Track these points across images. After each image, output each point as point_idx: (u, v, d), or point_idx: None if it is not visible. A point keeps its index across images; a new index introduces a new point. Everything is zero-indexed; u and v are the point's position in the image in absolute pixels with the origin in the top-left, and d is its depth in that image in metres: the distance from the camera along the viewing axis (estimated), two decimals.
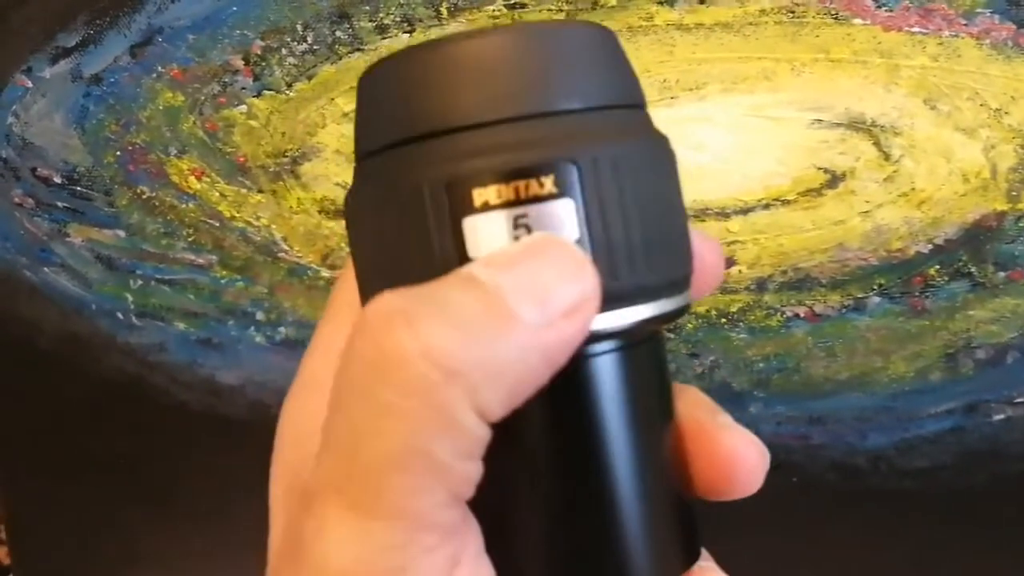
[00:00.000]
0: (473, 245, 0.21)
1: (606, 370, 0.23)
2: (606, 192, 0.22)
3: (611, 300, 0.22)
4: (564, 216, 0.22)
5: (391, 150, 0.23)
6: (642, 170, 0.23)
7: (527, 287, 0.21)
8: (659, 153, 0.24)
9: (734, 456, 0.25)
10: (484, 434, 0.21)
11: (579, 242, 0.22)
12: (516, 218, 0.21)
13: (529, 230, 0.21)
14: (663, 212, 0.23)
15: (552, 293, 0.21)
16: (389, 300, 0.21)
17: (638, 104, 0.24)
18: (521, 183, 0.21)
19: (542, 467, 0.23)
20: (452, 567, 0.21)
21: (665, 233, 0.23)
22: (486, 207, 0.21)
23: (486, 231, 0.21)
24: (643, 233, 0.22)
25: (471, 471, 0.21)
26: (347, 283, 0.26)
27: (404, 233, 0.22)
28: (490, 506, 0.22)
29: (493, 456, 0.21)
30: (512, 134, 0.22)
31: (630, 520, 0.23)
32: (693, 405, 0.26)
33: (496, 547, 0.23)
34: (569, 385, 0.22)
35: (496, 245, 0.21)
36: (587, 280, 0.21)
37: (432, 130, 0.22)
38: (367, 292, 0.24)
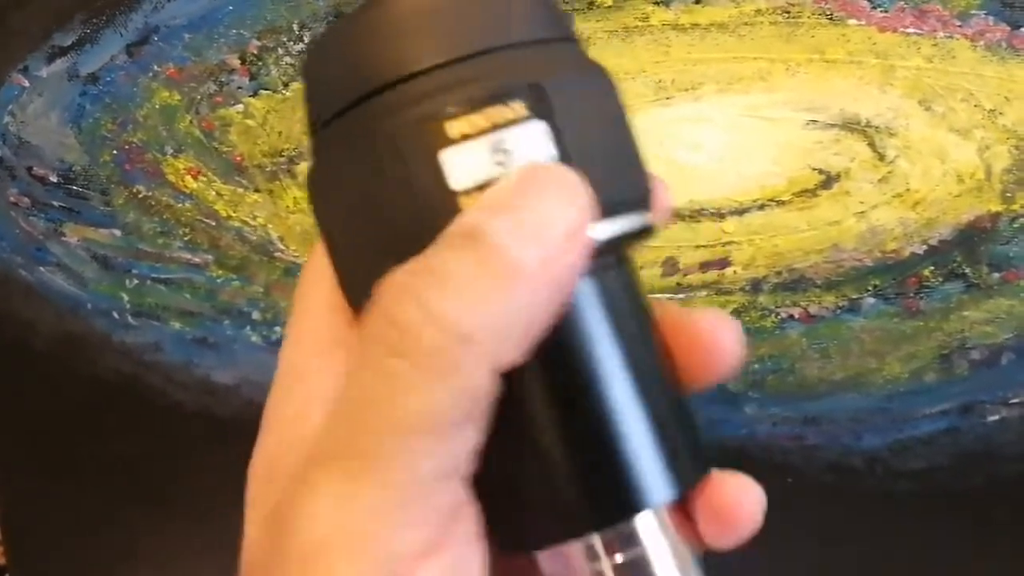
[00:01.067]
0: (455, 178, 0.22)
1: (598, 290, 0.23)
2: (573, 111, 0.22)
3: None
4: (539, 137, 0.22)
5: (352, 110, 0.23)
6: (599, 91, 0.24)
7: (525, 226, 0.21)
8: (607, 78, 0.25)
9: (711, 330, 0.26)
10: (494, 389, 0.21)
11: (556, 161, 0.22)
12: (494, 144, 0.22)
13: (508, 155, 0.22)
14: (623, 130, 0.24)
15: (550, 225, 0.21)
16: (393, 279, 0.21)
17: (575, 39, 0.25)
18: (493, 109, 0.22)
19: (560, 392, 0.23)
20: (432, 549, 0.21)
21: (628, 149, 0.24)
22: (462, 138, 0.22)
23: (466, 162, 0.22)
24: (611, 148, 0.24)
25: (474, 439, 0.21)
26: (313, 272, 0.26)
27: (384, 185, 0.22)
28: (508, 445, 0.23)
29: (506, 401, 0.22)
30: (472, 69, 0.22)
31: (646, 433, 0.23)
32: (665, 310, 0.27)
33: (512, 477, 0.23)
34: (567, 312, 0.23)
35: (478, 175, 0.22)
36: (581, 198, 0.22)
37: (393, 79, 0.22)
38: (351, 265, 0.24)
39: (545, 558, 0.24)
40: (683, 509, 0.26)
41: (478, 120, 0.22)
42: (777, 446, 0.56)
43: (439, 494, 0.21)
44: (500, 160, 0.22)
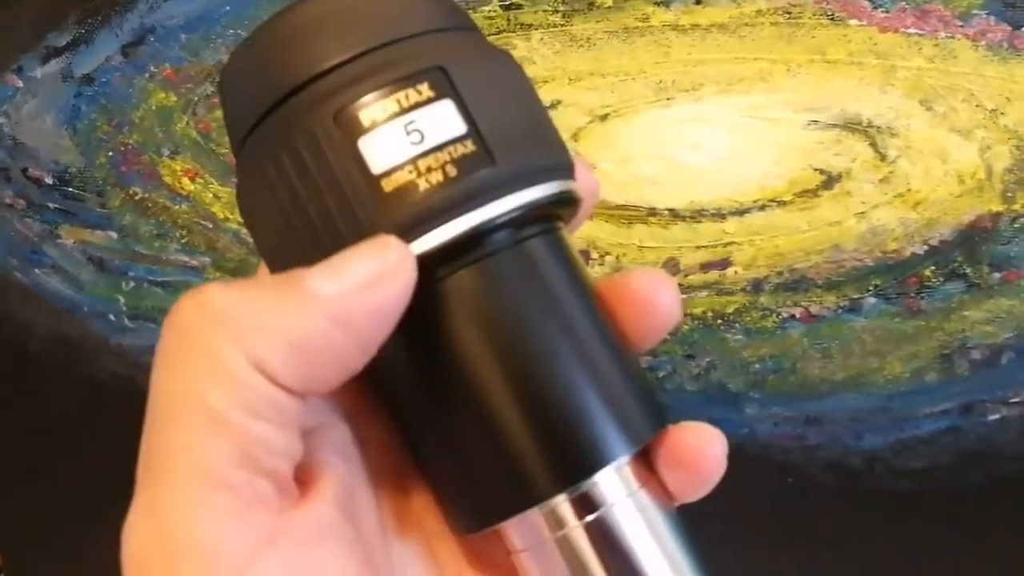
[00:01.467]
0: (375, 163, 0.22)
1: (550, 246, 0.25)
2: (475, 88, 0.23)
3: (502, 184, 0.23)
4: (446, 115, 0.23)
5: (266, 119, 0.24)
6: (501, 70, 0.25)
7: (325, 267, 0.22)
8: (509, 59, 0.26)
9: (646, 288, 0.27)
10: (272, 393, 0.21)
11: (466, 136, 0.23)
12: (406, 125, 0.23)
13: (421, 135, 0.23)
14: (530, 105, 0.25)
15: (347, 269, 0.22)
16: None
17: (474, 28, 0.26)
18: (400, 94, 0.23)
19: (498, 362, 0.24)
20: (264, 542, 0.21)
21: (537, 122, 0.25)
22: (375, 124, 0.23)
23: (384, 146, 0.23)
24: (520, 121, 0.24)
25: (268, 434, 0.21)
26: None
27: (309, 182, 0.23)
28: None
29: (445, 377, 0.23)
30: (375, 60, 0.23)
31: (593, 392, 0.24)
32: (603, 277, 0.28)
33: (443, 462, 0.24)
34: (503, 269, 0.24)
35: (397, 157, 0.23)
36: (389, 255, 0.22)
37: (299, 82, 0.23)
38: (276, 261, 0.25)
39: (515, 534, 0.24)
40: (649, 465, 0.25)
41: (388, 105, 0.23)
42: (778, 446, 0.56)
43: (248, 484, 0.21)
44: (416, 140, 0.23)
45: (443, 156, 0.23)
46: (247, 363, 0.21)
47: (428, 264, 0.23)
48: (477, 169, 0.23)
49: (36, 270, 0.61)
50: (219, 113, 0.57)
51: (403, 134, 0.23)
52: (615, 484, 0.24)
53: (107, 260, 0.60)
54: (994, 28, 0.50)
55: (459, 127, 0.23)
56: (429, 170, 0.23)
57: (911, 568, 0.57)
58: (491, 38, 0.53)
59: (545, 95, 0.54)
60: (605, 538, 0.24)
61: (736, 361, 0.56)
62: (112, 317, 0.61)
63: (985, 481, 0.55)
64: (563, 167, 0.25)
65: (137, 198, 0.59)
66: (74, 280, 0.61)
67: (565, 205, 0.25)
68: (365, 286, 0.22)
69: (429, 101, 0.23)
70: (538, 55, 0.53)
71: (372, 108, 0.23)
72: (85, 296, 0.61)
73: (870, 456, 0.56)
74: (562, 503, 0.23)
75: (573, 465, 0.23)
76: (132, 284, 0.61)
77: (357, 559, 0.23)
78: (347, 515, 0.23)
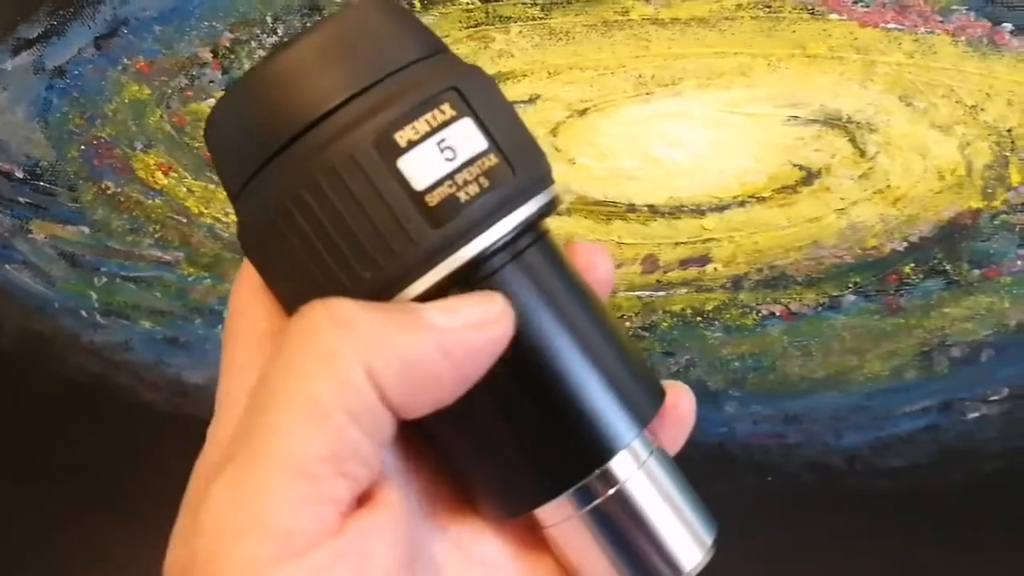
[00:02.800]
0: (416, 180, 0.24)
1: (541, 256, 0.27)
2: (486, 106, 0.26)
3: (524, 191, 0.26)
4: (469, 132, 0.25)
5: (281, 154, 0.25)
6: (492, 87, 0.27)
7: (441, 304, 0.25)
8: (488, 75, 0.28)
9: (586, 256, 0.30)
10: (374, 404, 0.23)
11: (488, 150, 0.25)
12: (439, 143, 0.25)
13: (453, 152, 0.25)
14: (518, 117, 0.28)
15: (460, 309, 0.25)
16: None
17: (448, 49, 0.28)
18: (429, 115, 0.25)
19: (520, 369, 0.26)
20: (327, 533, 0.22)
21: (527, 132, 0.28)
22: (411, 144, 0.24)
23: (421, 163, 0.24)
24: (517, 133, 0.27)
25: (359, 441, 0.23)
26: (240, 305, 0.28)
27: (352, 203, 0.24)
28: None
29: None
30: (395, 86, 0.25)
31: (604, 388, 0.27)
32: None
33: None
34: (523, 276, 0.27)
35: (435, 173, 0.25)
36: (493, 305, 0.25)
37: (323, 112, 0.25)
38: (317, 292, 0.25)
39: (545, 513, 0.28)
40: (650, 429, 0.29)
41: (420, 126, 0.25)
42: (757, 444, 0.56)
43: (335, 478, 0.23)
44: (449, 157, 0.25)
45: (475, 170, 0.25)
46: (363, 370, 0.23)
47: (462, 275, 0.25)
48: (503, 180, 0.25)
49: (6, 266, 0.61)
50: (194, 107, 0.56)
51: (437, 152, 0.25)
52: (628, 461, 0.27)
53: (79, 255, 0.60)
54: (974, 24, 0.50)
55: (482, 142, 0.25)
56: (466, 183, 0.25)
57: (892, 566, 0.57)
58: (469, 31, 0.53)
59: (524, 89, 0.53)
60: (624, 507, 0.27)
61: (715, 359, 0.56)
62: (84, 313, 0.61)
63: (965, 479, 0.55)
64: (551, 172, 0.28)
65: (110, 192, 0.58)
66: (45, 276, 0.61)
67: (557, 207, 0.28)
68: (472, 326, 0.24)
69: (453, 120, 0.25)
70: (516, 48, 0.53)
71: (406, 130, 0.24)
72: (56, 292, 0.61)
73: (850, 455, 0.56)
74: (586, 483, 0.27)
75: (594, 453, 0.27)
76: (104, 280, 0.60)
77: (405, 564, 0.25)
78: (402, 526, 0.25)
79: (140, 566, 0.63)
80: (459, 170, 0.25)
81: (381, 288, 0.25)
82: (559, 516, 0.28)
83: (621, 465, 0.27)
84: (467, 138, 0.25)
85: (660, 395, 0.29)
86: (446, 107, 0.25)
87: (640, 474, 0.28)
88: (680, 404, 0.30)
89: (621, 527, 0.27)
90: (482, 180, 0.25)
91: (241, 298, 0.28)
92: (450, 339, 0.24)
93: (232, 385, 0.27)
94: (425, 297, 0.25)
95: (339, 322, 0.23)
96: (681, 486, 0.29)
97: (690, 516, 0.28)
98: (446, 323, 0.24)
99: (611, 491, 0.27)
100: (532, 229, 0.27)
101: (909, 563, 0.56)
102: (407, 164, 0.24)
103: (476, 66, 0.28)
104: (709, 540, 0.28)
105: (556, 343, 0.27)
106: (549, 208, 0.27)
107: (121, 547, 0.63)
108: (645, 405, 0.28)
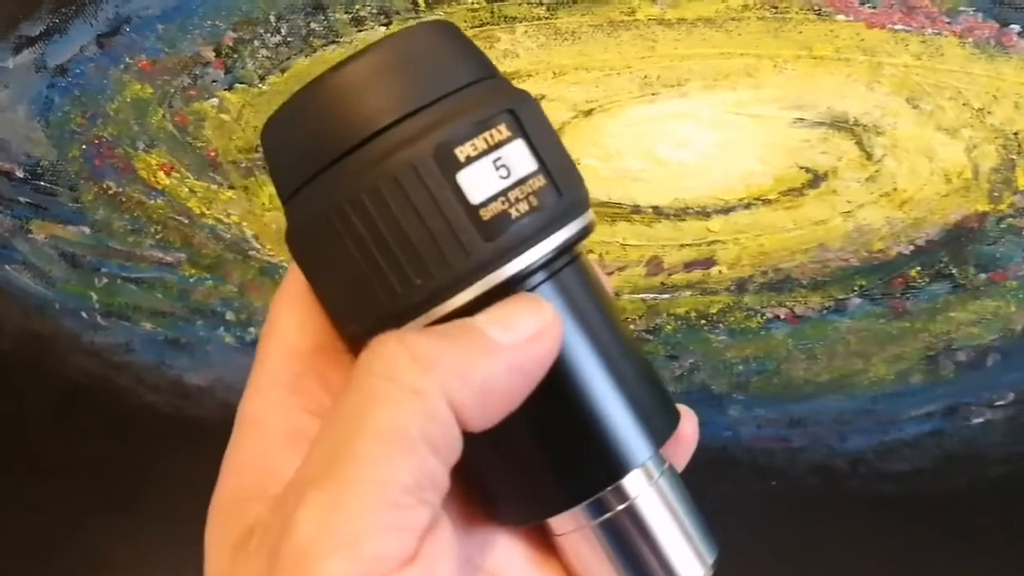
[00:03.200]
0: (472, 194, 0.26)
1: (576, 277, 0.29)
2: (536, 130, 0.27)
3: (566, 213, 0.28)
4: (521, 153, 0.27)
5: (344, 159, 0.26)
6: (539, 112, 0.29)
7: (498, 319, 0.26)
8: (536, 101, 0.29)
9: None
10: (454, 433, 0.25)
11: (538, 171, 0.27)
12: (494, 161, 0.26)
13: (508, 170, 0.26)
14: (562, 144, 0.29)
15: (518, 322, 0.26)
16: (384, 335, 0.26)
17: (498, 73, 0.30)
18: (487, 133, 0.26)
19: (552, 386, 0.27)
20: (410, 557, 0.24)
21: (571, 160, 0.29)
22: (469, 160, 0.26)
23: (478, 179, 0.26)
24: (562, 157, 0.28)
25: (437, 470, 0.25)
26: (274, 324, 0.29)
27: (410, 210, 0.26)
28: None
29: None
30: (455, 105, 0.27)
31: (626, 408, 0.28)
32: None
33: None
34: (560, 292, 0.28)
35: (490, 189, 0.26)
36: (546, 313, 0.27)
37: (383, 125, 0.26)
38: (362, 296, 0.27)
39: (558, 522, 0.29)
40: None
41: (479, 143, 0.26)
42: (761, 448, 0.56)
43: (416, 506, 0.24)
44: (504, 175, 0.26)
45: (526, 188, 0.27)
46: (446, 404, 0.25)
47: (505, 290, 0.27)
48: (550, 201, 0.27)
49: (6, 266, 0.60)
50: (196, 106, 0.56)
51: (493, 169, 0.26)
52: (640, 478, 0.29)
53: (80, 256, 0.60)
54: (981, 25, 0.50)
55: (532, 163, 0.27)
56: (517, 200, 0.26)
57: (895, 571, 0.56)
58: (475, 31, 0.53)
59: (529, 89, 0.53)
60: (633, 522, 0.29)
61: (720, 362, 0.55)
62: (84, 314, 0.60)
63: (969, 484, 0.55)
64: (587, 198, 0.30)
65: (111, 192, 0.58)
66: (45, 276, 0.60)
67: (592, 231, 0.30)
68: (532, 338, 0.26)
69: (508, 140, 0.27)
70: (522, 48, 0.53)
71: (466, 146, 0.26)
72: (57, 293, 0.60)
73: (854, 459, 0.56)
74: (600, 497, 0.29)
75: (612, 469, 0.28)
76: (105, 280, 0.60)
77: None
78: (455, 543, 0.26)
79: (142, 567, 0.62)
80: (512, 188, 0.26)
81: (430, 295, 0.26)
82: (571, 526, 0.29)
83: (634, 482, 0.29)
84: (520, 158, 0.27)
85: (676, 417, 0.30)
86: (503, 127, 0.27)
87: (651, 491, 0.29)
88: (685, 427, 0.32)
89: (629, 541, 0.29)
90: (532, 199, 0.27)
91: (274, 314, 0.30)
92: (518, 356, 0.26)
93: (253, 407, 0.28)
94: (468, 308, 0.26)
95: (418, 359, 0.25)
96: (688, 506, 0.30)
97: (695, 535, 0.30)
98: (510, 340, 0.26)
99: (622, 506, 0.29)
100: (570, 250, 0.28)
101: (913, 568, 0.56)
102: (465, 178, 0.26)
103: (525, 91, 0.29)
104: (711, 560, 0.30)
105: (584, 361, 0.28)
106: (586, 231, 0.29)
107: (123, 549, 0.63)
108: (662, 426, 0.29)
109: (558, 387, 0.27)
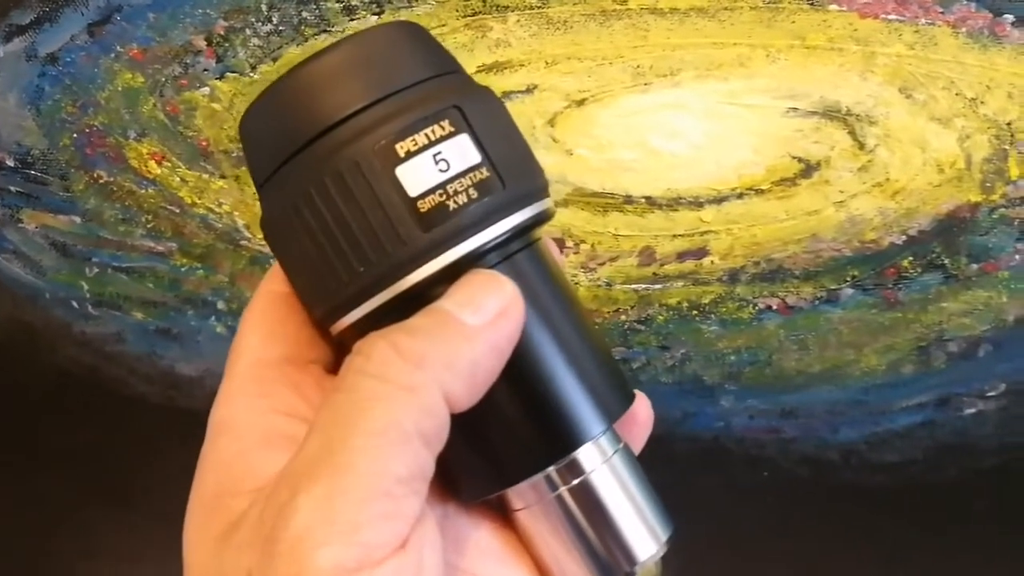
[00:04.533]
0: (410, 187, 0.27)
1: (529, 261, 0.30)
2: (484, 124, 0.29)
3: (512, 203, 0.29)
4: (464, 147, 0.28)
5: (301, 153, 0.28)
6: (495, 107, 0.30)
7: (464, 302, 0.27)
8: (495, 96, 0.31)
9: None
10: (446, 423, 0.26)
11: (481, 164, 0.28)
12: (435, 156, 0.28)
13: (447, 164, 0.28)
14: (518, 135, 0.31)
15: (484, 302, 0.27)
16: (370, 335, 0.27)
17: (461, 69, 0.31)
18: (428, 130, 0.28)
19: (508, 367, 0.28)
20: (402, 544, 0.25)
21: (525, 149, 0.31)
22: (409, 155, 0.27)
23: (416, 172, 0.27)
24: (514, 150, 0.30)
25: (427, 462, 0.26)
26: (246, 330, 0.30)
27: (353, 203, 0.27)
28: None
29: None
30: (400, 102, 0.28)
31: (578, 385, 0.30)
32: None
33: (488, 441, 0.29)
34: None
35: (428, 182, 0.27)
36: (506, 289, 0.28)
37: (335, 120, 0.28)
38: (319, 280, 0.29)
39: (515, 496, 0.30)
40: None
41: (420, 139, 0.27)
42: (753, 439, 0.56)
43: (409, 496, 0.25)
44: (443, 168, 0.28)
45: (466, 181, 0.28)
46: (441, 398, 0.26)
47: (448, 275, 0.28)
48: (492, 192, 0.28)
49: None
50: (187, 95, 0.56)
51: (432, 163, 0.27)
52: (594, 454, 0.30)
53: (70, 245, 0.59)
54: (975, 15, 0.50)
55: (475, 157, 0.28)
56: (456, 193, 0.28)
57: (885, 561, 0.57)
58: (467, 20, 0.53)
59: (521, 79, 0.53)
60: (587, 497, 0.30)
61: (711, 353, 0.55)
62: (75, 304, 0.60)
63: (960, 475, 0.55)
64: (545, 188, 0.31)
65: (102, 182, 0.58)
66: (36, 266, 0.60)
67: (547, 220, 0.31)
68: (500, 315, 0.27)
69: (451, 135, 0.28)
70: (514, 38, 0.52)
71: (407, 141, 0.27)
72: (47, 282, 0.60)
73: (846, 449, 0.56)
74: (553, 471, 0.30)
75: (564, 442, 0.29)
76: (96, 270, 0.60)
77: (444, 569, 0.27)
78: (438, 528, 0.28)
79: (134, 557, 0.62)
80: (451, 180, 0.28)
81: (375, 280, 0.27)
82: (528, 500, 0.30)
83: (588, 457, 0.30)
84: (462, 152, 0.28)
85: (629, 397, 0.32)
86: (446, 123, 0.28)
87: (605, 468, 0.30)
88: (640, 409, 0.33)
89: (583, 516, 0.30)
90: (472, 191, 0.28)
91: (242, 330, 0.30)
92: (493, 335, 0.27)
93: (224, 412, 0.29)
94: (415, 291, 0.28)
95: (407, 356, 0.26)
96: (643, 485, 0.31)
97: (648, 512, 0.31)
98: (481, 320, 0.27)
99: (577, 480, 0.30)
100: (521, 236, 0.29)
101: (903, 558, 0.56)
102: (404, 172, 0.27)
103: (486, 88, 0.31)
104: (664, 536, 0.31)
105: (536, 338, 0.29)
106: (538, 219, 0.30)
107: (114, 537, 0.63)
108: (613, 404, 0.31)
109: (513, 364, 0.28)
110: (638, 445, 0.33)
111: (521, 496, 0.30)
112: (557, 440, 0.29)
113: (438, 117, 0.28)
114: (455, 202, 0.28)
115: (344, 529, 0.24)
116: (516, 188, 0.29)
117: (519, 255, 0.30)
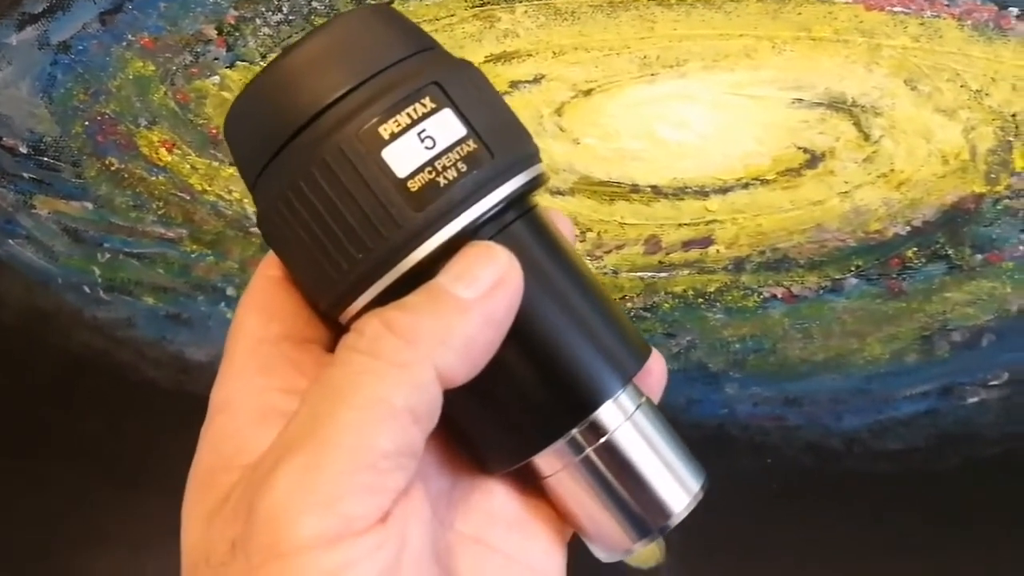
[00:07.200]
0: (398, 168, 0.27)
1: (527, 228, 0.30)
2: (465, 97, 0.28)
3: (502, 172, 0.28)
4: (448, 122, 0.28)
5: (285, 148, 0.28)
6: (477, 79, 0.30)
7: (459, 275, 0.27)
8: (473, 67, 0.30)
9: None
10: (438, 400, 0.26)
11: (467, 137, 0.28)
12: (419, 134, 0.27)
13: (433, 140, 0.27)
14: (502, 104, 0.30)
15: (479, 274, 0.27)
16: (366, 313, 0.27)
17: (436, 44, 0.31)
18: (409, 109, 0.27)
19: (518, 334, 0.28)
20: (383, 517, 0.25)
21: (511, 118, 0.30)
22: (393, 136, 0.27)
23: (402, 153, 0.27)
24: (500, 119, 0.29)
25: (416, 438, 0.26)
26: (241, 329, 0.30)
27: (342, 191, 0.27)
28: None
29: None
30: (379, 84, 0.28)
31: (593, 348, 0.30)
32: None
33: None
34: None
35: (416, 161, 0.27)
36: (500, 259, 0.27)
37: (314, 112, 0.28)
38: (317, 269, 0.29)
39: (543, 464, 0.30)
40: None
41: (402, 119, 0.27)
42: (757, 426, 0.56)
43: (394, 471, 0.25)
44: (429, 146, 0.27)
45: (454, 156, 0.28)
46: (434, 374, 0.26)
47: (447, 250, 0.27)
48: (481, 163, 0.28)
49: (9, 241, 0.61)
50: (198, 84, 0.56)
51: (418, 141, 0.27)
52: (615, 412, 0.30)
53: (82, 231, 0.60)
54: (980, 8, 0.50)
55: (460, 130, 0.28)
56: (445, 168, 0.27)
57: (888, 550, 0.57)
58: (475, 11, 0.53)
59: (529, 69, 0.53)
60: (613, 456, 0.30)
61: (716, 341, 0.56)
62: (87, 289, 0.61)
63: (963, 464, 0.55)
64: (536, 153, 0.31)
65: (113, 169, 0.58)
66: (48, 251, 0.61)
67: (540, 184, 0.31)
68: (495, 286, 0.27)
69: (433, 112, 0.28)
70: (522, 28, 0.53)
71: (390, 123, 0.27)
72: (59, 268, 0.61)
73: (849, 437, 0.56)
74: (577, 434, 0.30)
75: (581, 404, 0.29)
76: (108, 256, 0.60)
77: (432, 541, 0.28)
78: (428, 508, 0.28)
79: (143, 542, 0.63)
80: (439, 157, 0.27)
81: (375, 266, 0.27)
82: (556, 466, 0.30)
83: (609, 416, 0.30)
84: (446, 127, 0.28)
85: (645, 352, 0.31)
86: (427, 100, 0.28)
87: (628, 425, 0.30)
88: (652, 362, 0.32)
89: (612, 475, 0.30)
90: (460, 165, 0.28)
91: (240, 314, 0.30)
92: (488, 307, 0.27)
93: (223, 392, 0.29)
94: (417, 272, 0.27)
95: (400, 333, 0.26)
96: (669, 436, 0.31)
97: (677, 464, 0.31)
98: (475, 293, 0.27)
99: (601, 440, 0.30)
100: (516, 205, 0.29)
101: (907, 546, 0.56)
102: (390, 154, 0.27)
103: (464, 60, 0.30)
104: (696, 486, 0.31)
105: (542, 304, 0.29)
106: (532, 185, 0.30)
107: (124, 521, 0.63)
108: (629, 361, 0.30)
109: (521, 333, 0.28)
110: (655, 397, 0.33)
111: (548, 463, 0.30)
112: (575, 402, 0.30)
113: (419, 95, 0.28)
114: (445, 178, 0.27)
115: (323, 500, 0.24)
116: (505, 157, 0.29)
117: (516, 224, 0.29)
